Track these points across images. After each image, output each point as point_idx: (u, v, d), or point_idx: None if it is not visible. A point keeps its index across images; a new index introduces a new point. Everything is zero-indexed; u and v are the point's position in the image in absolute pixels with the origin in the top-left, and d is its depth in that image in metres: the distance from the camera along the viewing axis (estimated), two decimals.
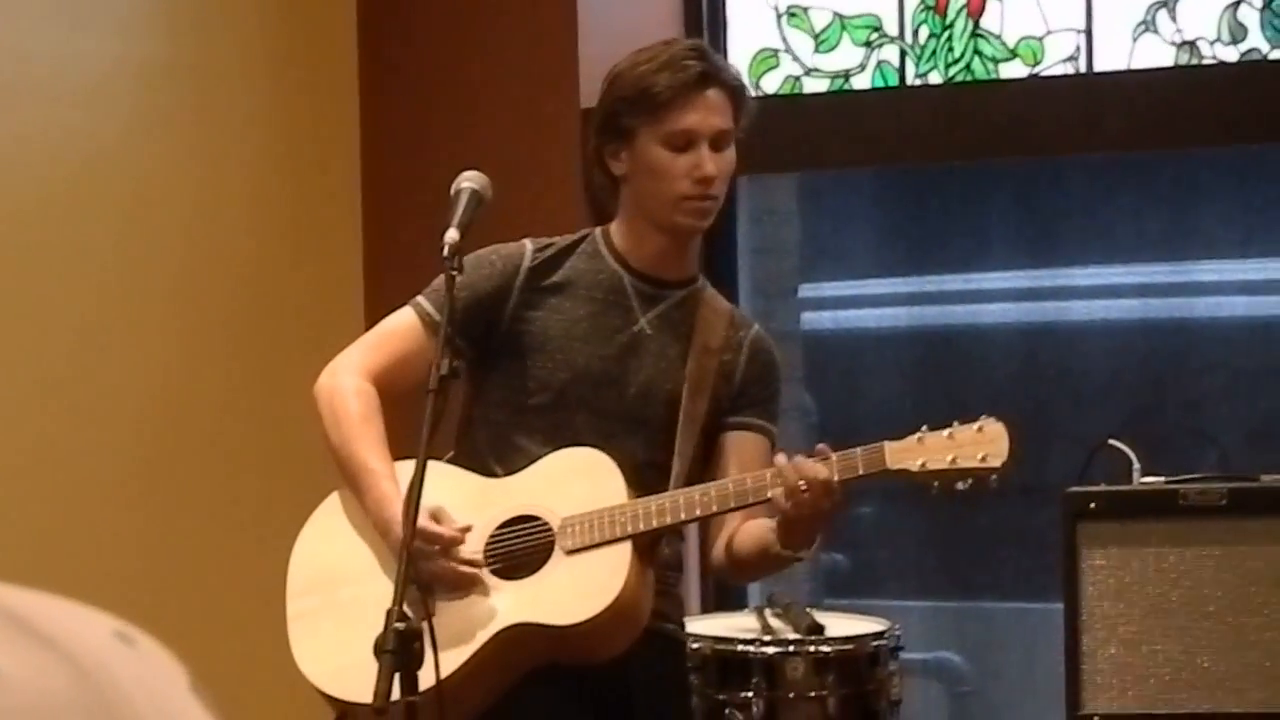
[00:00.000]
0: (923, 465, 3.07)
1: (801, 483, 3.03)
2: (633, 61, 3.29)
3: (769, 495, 3.10)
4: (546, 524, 3.18)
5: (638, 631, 3.15)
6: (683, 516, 3.16)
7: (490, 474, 3.26)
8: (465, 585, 3.14)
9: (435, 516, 3.11)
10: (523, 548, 3.19)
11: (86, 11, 4.57)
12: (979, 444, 3.07)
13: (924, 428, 3.09)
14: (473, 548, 3.17)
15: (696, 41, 3.42)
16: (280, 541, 3.36)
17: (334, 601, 3.24)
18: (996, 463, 3.06)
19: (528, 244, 3.34)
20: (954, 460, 3.07)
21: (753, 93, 3.51)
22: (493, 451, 3.28)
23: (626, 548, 3.12)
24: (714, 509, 3.19)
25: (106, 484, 4.53)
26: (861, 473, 3.07)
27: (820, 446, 3.11)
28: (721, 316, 3.36)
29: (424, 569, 3.01)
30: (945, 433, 3.08)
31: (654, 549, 3.21)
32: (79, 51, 4.53)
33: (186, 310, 4.72)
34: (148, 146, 4.67)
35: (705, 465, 3.33)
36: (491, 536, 3.19)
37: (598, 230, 3.37)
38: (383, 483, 3.19)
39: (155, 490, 4.62)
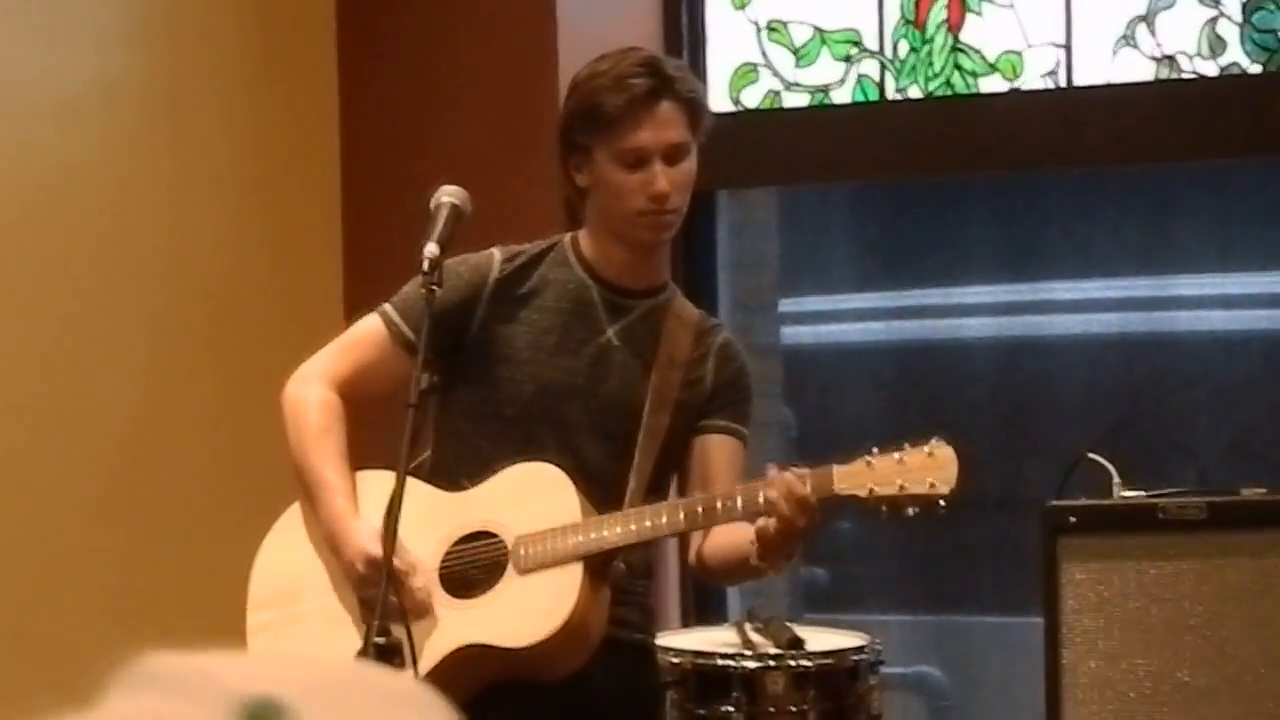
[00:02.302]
0: (870, 490, 3.01)
1: (782, 496, 3.00)
2: (589, 73, 3.27)
3: (745, 508, 3.07)
4: (501, 541, 3.17)
5: (589, 652, 3.14)
6: (635, 539, 3.14)
7: (458, 485, 3.25)
8: (418, 611, 3.12)
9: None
10: (477, 565, 3.18)
11: (62, 26, 4.56)
12: (928, 469, 3.00)
13: (874, 449, 3.02)
14: (429, 564, 3.17)
15: (649, 54, 3.34)
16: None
17: (290, 616, 3.25)
18: (944, 489, 2.99)
19: (496, 254, 3.32)
20: (902, 487, 2.99)
21: (709, 99, 3.46)
22: (460, 463, 3.27)
23: (578, 569, 3.11)
24: (665, 531, 3.18)
25: (84, 497, 4.51)
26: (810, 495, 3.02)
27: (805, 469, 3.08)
28: (688, 327, 3.34)
29: (374, 597, 2.98)
30: (895, 456, 3.02)
31: (606, 568, 3.19)
32: (55, 66, 4.52)
33: (164, 324, 4.70)
34: (124, 161, 4.65)
35: (668, 477, 3.33)
36: (448, 553, 3.19)
37: (567, 238, 3.36)
38: (336, 498, 3.19)
39: (133, 503, 4.60)
